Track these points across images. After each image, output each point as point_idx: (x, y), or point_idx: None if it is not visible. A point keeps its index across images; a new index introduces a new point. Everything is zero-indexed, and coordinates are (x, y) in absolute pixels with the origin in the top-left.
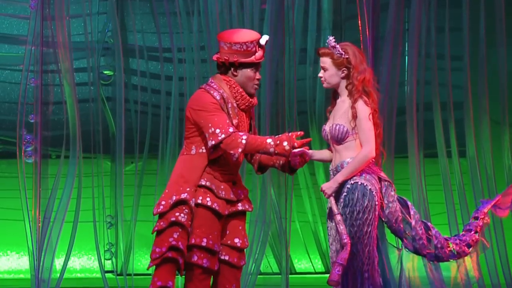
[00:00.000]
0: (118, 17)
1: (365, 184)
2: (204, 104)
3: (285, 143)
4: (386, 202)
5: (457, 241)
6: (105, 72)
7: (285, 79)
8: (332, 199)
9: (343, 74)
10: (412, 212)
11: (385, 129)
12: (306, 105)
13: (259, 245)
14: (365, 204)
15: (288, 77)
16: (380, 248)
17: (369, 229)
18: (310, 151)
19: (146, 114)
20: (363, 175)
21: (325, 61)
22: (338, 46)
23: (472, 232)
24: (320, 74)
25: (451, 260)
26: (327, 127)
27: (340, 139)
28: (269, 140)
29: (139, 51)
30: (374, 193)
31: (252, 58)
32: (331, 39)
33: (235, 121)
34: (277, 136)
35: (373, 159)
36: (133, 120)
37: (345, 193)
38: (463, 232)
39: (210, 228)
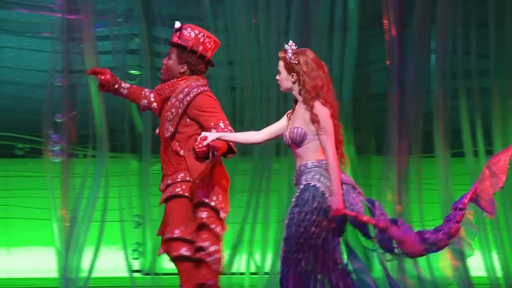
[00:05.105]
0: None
1: (317, 186)
2: None
3: None
4: (347, 204)
5: (431, 234)
6: (132, 72)
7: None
8: (348, 211)
9: (293, 79)
10: (377, 213)
11: (412, 127)
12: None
13: None
14: (314, 206)
15: None
16: (351, 249)
17: (317, 231)
18: (209, 134)
19: None
20: (317, 176)
21: (280, 64)
22: (290, 51)
23: (451, 222)
24: (277, 77)
25: (426, 254)
26: (287, 132)
27: (299, 142)
28: None
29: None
30: (326, 195)
31: None
32: (289, 44)
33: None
34: None
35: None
36: None
37: (298, 193)
38: (442, 224)
39: None
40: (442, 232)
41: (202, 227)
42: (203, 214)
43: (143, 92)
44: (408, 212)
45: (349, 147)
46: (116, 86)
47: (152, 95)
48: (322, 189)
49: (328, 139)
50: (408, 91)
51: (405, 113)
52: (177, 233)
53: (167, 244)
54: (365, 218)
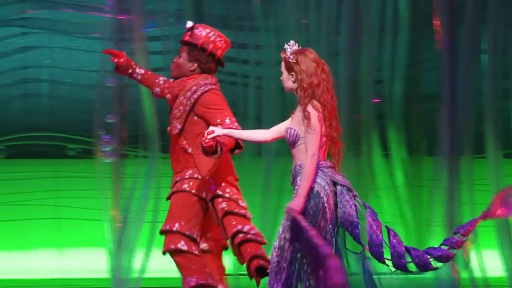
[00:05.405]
0: None
1: (312, 186)
2: None
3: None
4: (340, 206)
5: (418, 253)
6: None
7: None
8: (300, 216)
9: (293, 78)
10: (369, 219)
11: (464, 127)
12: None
13: None
14: (310, 206)
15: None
16: (340, 251)
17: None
18: (216, 129)
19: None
20: None
21: (282, 65)
22: (290, 50)
23: (447, 249)
24: (281, 77)
25: (411, 272)
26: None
27: (292, 143)
28: None
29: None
30: (321, 194)
31: None
32: (289, 43)
33: None
34: None
35: (331, 162)
36: None
37: (294, 194)
38: (439, 247)
39: None
40: (432, 256)
41: (227, 215)
42: (223, 204)
43: (156, 80)
44: (460, 213)
45: (401, 147)
46: (130, 71)
47: (167, 85)
48: (317, 189)
49: (312, 141)
50: (460, 91)
51: (457, 114)
52: (176, 226)
53: (165, 235)
54: (315, 235)
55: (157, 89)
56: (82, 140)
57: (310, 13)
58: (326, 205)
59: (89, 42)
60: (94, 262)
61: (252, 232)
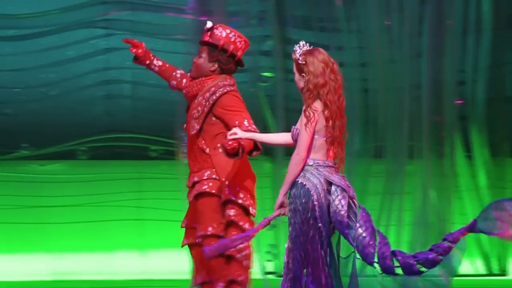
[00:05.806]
0: None
1: (303, 183)
2: None
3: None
4: (332, 205)
5: (404, 255)
6: (264, 74)
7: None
8: (275, 213)
9: (303, 79)
10: (360, 221)
11: None
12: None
13: (421, 247)
14: (300, 203)
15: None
16: (332, 252)
17: (304, 228)
18: (238, 131)
19: None
20: (304, 173)
21: (293, 66)
22: (299, 51)
23: (436, 255)
24: (295, 78)
25: (395, 275)
26: None
27: (295, 141)
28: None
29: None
30: (312, 192)
31: None
32: (299, 44)
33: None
34: None
35: (331, 162)
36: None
37: (289, 191)
38: (426, 251)
39: None
40: (417, 260)
41: (231, 224)
42: (231, 212)
43: (174, 73)
44: None
45: (483, 149)
46: (148, 62)
47: (184, 80)
48: (308, 186)
49: (300, 141)
50: None
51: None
52: (210, 230)
53: (201, 241)
54: (252, 232)
55: (174, 82)
56: (164, 141)
57: (392, 14)
58: (315, 203)
59: (171, 43)
60: (176, 263)
61: (243, 253)
